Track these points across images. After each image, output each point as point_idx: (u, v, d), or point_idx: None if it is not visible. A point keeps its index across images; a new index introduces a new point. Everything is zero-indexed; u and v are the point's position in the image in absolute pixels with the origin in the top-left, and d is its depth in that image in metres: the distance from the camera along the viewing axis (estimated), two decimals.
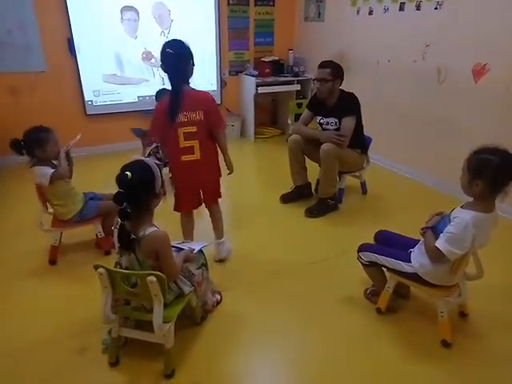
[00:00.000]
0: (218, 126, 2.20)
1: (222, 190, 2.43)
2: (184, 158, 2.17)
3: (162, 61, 2.06)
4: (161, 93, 3.50)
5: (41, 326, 1.98)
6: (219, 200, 2.45)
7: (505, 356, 1.81)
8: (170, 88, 2.10)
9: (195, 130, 2.12)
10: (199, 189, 2.34)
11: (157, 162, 1.70)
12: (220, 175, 2.36)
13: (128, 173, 1.51)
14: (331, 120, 3.07)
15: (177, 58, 2.02)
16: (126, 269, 1.65)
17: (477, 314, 2.04)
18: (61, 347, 1.85)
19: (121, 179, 1.51)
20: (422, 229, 1.83)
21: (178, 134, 2.11)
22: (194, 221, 2.46)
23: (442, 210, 1.85)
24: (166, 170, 2.40)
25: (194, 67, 2.13)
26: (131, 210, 1.54)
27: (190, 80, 2.13)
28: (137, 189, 1.53)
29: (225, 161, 2.33)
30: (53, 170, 2.32)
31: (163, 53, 2.03)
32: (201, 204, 2.41)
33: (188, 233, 2.45)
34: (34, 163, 2.32)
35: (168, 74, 2.07)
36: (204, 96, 2.15)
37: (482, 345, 1.87)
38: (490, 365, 1.77)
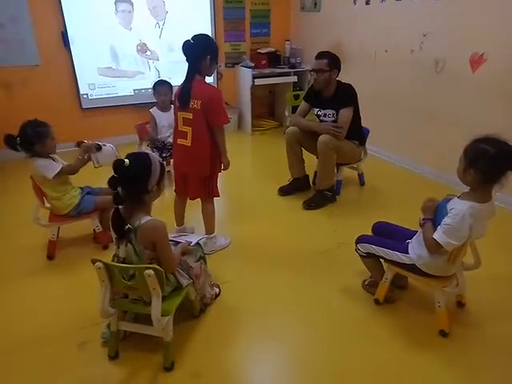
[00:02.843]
0: (213, 123, 2.22)
1: (220, 184, 2.43)
2: (179, 141, 2.31)
3: (182, 44, 2.17)
4: (158, 84, 3.49)
5: (40, 321, 1.99)
6: (214, 199, 2.45)
7: (502, 345, 1.82)
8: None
9: (191, 117, 2.22)
10: (185, 176, 2.39)
11: (160, 159, 1.71)
12: (211, 174, 2.32)
13: (126, 160, 1.54)
14: (328, 111, 3.05)
15: (193, 49, 2.15)
16: (124, 260, 1.64)
17: (474, 304, 2.05)
18: (60, 341, 1.86)
19: (117, 164, 1.53)
20: (422, 219, 1.82)
21: (178, 117, 2.28)
22: (185, 209, 2.56)
23: (437, 199, 1.84)
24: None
25: (217, 65, 2.30)
26: (125, 198, 1.56)
27: (204, 73, 2.23)
28: (130, 178, 1.56)
29: (221, 158, 2.34)
30: (61, 166, 2.33)
31: (186, 40, 2.16)
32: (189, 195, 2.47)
33: (177, 217, 2.59)
34: (32, 155, 2.30)
35: (186, 59, 2.21)
36: (208, 89, 2.24)
37: (480, 334, 1.88)
38: (487, 354, 1.78)
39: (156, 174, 1.63)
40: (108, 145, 2.47)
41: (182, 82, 2.25)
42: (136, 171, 1.57)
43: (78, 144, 2.44)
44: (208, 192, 2.39)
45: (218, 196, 2.46)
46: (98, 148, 2.42)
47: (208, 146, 2.25)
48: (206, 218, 2.49)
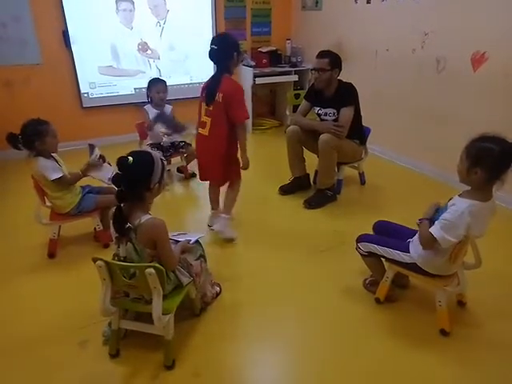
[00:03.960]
0: (234, 118, 2.33)
1: None
2: (200, 130, 2.45)
3: (208, 53, 2.33)
4: (155, 81, 3.50)
5: (40, 320, 1.99)
6: (239, 181, 2.61)
7: (502, 344, 1.83)
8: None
9: (211, 108, 2.34)
10: (204, 164, 2.53)
11: (162, 157, 1.71)
12: (227, 165, 2.45)
13: (130, 157, 1.56)
14: (329, 110, 3.05)
15: (221, 53, 2.30)
16: (124, 258, 1.65)
17: (475, 303, 2.05)
18: (61, 340, 1.86)
19: (121, 162, 1.55)
20: (419, 219, 1.83)
21: (202, 107, 2.42)
22: (219, 193, 2.72)
23: (440, 199, 1.85)
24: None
25: (239, 57, 2.41)
26: (127, 196, 1.58)
27: (232, 71, 2.38)
28: (133, 175, 1.57)
29: (241, 156, 2.46)
30: (63, 174, 2.33)
31: (210, 48, 2.31)
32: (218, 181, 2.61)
33: (212, 202, 2.75)
34: (36, 154, 2.30)
35: (214, 63, 2.39)
36: (232, 84, 2.34)
37: (480, 333, 1.88)
38: (487, 353, 1.78)
39: (158, 172, 1.64)
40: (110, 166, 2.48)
41: (210, 77, 2.40)
42: (139, 169, 1.59)
43: (91, 146, 2.48)
44: (221, 181, 2.55)
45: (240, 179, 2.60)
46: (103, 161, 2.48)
47: (224, 138, 2.36)
48: (226, 198, 2.62)
